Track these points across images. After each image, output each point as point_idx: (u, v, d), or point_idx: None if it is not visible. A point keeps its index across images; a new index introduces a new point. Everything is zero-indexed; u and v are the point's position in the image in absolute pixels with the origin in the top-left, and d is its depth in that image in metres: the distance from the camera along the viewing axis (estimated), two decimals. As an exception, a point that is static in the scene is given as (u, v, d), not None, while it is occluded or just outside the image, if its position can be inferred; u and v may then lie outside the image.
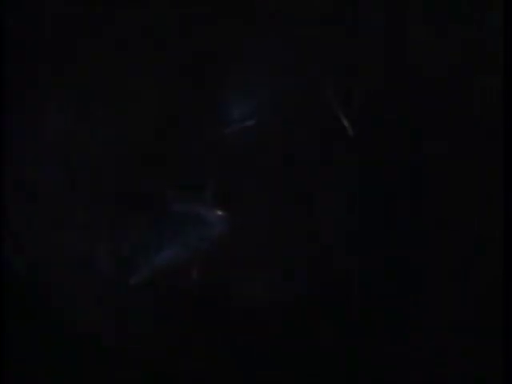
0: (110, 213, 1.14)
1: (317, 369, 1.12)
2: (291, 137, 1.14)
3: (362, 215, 1.14)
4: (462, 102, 1.14)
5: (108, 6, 1.15)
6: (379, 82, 1.15)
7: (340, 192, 1.14)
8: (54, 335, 1.12)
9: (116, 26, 1.16)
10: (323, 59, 1.15)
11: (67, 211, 1.14)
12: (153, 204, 1.13)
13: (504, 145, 1.04)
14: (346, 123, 1.12)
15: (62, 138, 1.15)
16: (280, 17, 1.16)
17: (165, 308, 1.12)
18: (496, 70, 1.07)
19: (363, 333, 1.12)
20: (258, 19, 1.16)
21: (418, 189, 1.14)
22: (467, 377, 1.10)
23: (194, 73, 1.16)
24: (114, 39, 1.16)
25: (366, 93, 1.15)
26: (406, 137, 1.15)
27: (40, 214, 1.14)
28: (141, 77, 1.15)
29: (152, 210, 1.13)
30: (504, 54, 1.05)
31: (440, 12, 1.16)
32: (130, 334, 1.12)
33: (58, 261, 1.13)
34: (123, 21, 1.16)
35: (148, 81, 1.15)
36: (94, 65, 1.15)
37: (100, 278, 1.12)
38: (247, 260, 1.13)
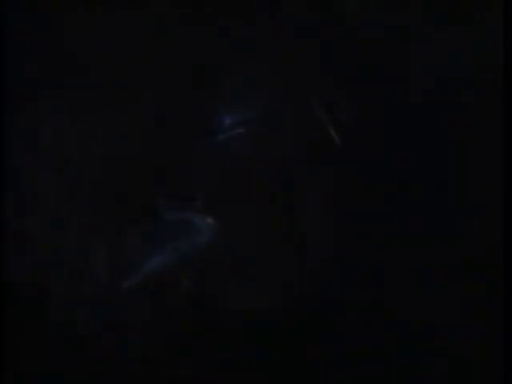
0: (106, 219, 1.14)
1: (305, 374, 1.12)
2: (280, 146, 1.14)
3: (352, 226, 1.14)
4: (460, 103, 1.14)
5: (108, 6, 1.16)
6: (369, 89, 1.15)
7: (328, 203, 1.14)
8: (51, 337, 1.12)
9: (115, 27, 1.16)
10: (312, 70, 1.15)
11: (65, 216, 1.14)
12: (146, 212, 1.13)
13: (504, 145, 1.04)
14: (332, 132, 1.11)
15: (60, 140, 1.15)
16: (270, 29, 1.16)
17: (157, 312, 1.12)
18: (496, 70, 1.08)
19: (351, 340, 1.12)
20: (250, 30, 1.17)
21: (411, 198, 1.14)
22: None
23: (187, 81, 1.16)
24: (112, 40, 1.16)
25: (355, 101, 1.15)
26: (399, 143, 1.15)
27: (38, 219, 1.14)
28: (135, 89, 1.16)
29: (146, 217, 1.13)
30: (504, 54, 1.05)
31: (439, 12, 1.16)
32: (126, 337, 1.13)
33: (56, 263, 1.13)
34: (123, 21, 1.16)
35: (142, 91, 1.16)
36: (92, 73, 1.16)
37: (96, 282, 1.13)
38: (236, 267, 1.13)
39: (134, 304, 1.12)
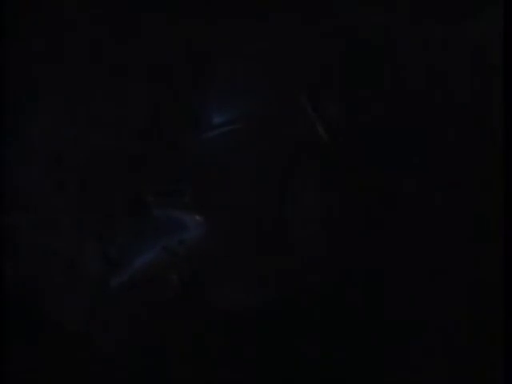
0: (95, 216, 1.14)
1: (293, 372, 1.12)
2: (269, 143, 1.14)
3: (340, 225, 1.14)
4: (459, 103, 1.14)
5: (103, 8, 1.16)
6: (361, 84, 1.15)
7: (318, 201, 1.14)
8: (42, 336, 1.12)
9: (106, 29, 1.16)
10: (300, 66, 1.15)
11: (53, 214, 1.14)
12: (133, 208, 1.13)
13: (504, 146, 1.03)
14: (321, 130, 1.11)
15: (50, 141, 1.15)
16: (260, 28, 1.16)
17: (146, 310, 1.12)
18: (496, 71, 1.07)
19: (340, 338, 1.12)
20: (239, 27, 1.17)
21: (405, 198, 1.13)
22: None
23: (173, 78, 1.16)
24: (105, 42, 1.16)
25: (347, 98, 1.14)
26: (394, 143, 1.14)
27: (28, 215, 1.14)
28: (123, 83, 1.16)
29: (134, 214, 1.13)
30: (504, 54, 1.05)
31: (438, 10, 1.16)
32: (118, 335, 1.13)
33: (45, 262, 1.13)
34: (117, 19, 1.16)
35: (130, 86, 1.16)
36: (83, 70, 1.15)
37: (87, 279, 1.13)
38: (225, 264, 1.13)
39: (123, 301, 1.12)
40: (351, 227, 1.13)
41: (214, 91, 1.15)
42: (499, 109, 1.05)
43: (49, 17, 1.17)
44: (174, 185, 1.14)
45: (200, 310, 1.12)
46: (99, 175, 1.14)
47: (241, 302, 1.12)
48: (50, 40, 1.16)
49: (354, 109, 1.13)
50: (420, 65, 1.15)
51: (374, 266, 1.12)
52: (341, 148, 1.12)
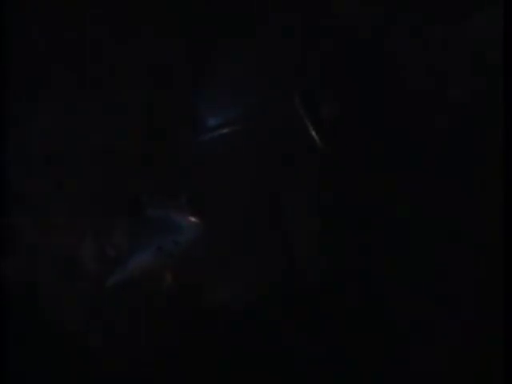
0: (94, 216, 1.14)
1: (290, 370, 1.12)
2: (266, 145, 1.13)
3: (336, 225, 1.14)
4: (460, 104, 1.14)
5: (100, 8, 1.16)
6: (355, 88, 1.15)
7: (313, 202, 1.13)
8: (40, 335, 1.12)
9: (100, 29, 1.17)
10: (295, 69, 1.15)
11: (54, 213, 1.15)
12: (131, 209, 1.13)
13: (504, 146, 1.03)
14: (314, 133, 1.11)
15: (50, 141, 1.16)
16: (255, 29, 1.16)
17: (140, 310, 1.12)
18: (496, 71, 1.07)
19: (337, 335, 1.12)
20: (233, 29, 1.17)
21: (403, 201, 1.13)
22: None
23: (171, 78, 1.16)
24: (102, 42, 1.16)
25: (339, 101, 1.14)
26: (391, 145, 1.14)
27: (27, 215, 1.15)
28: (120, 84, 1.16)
29: (131, 214, 1.13)
30: (504, 54, 1.05)
31: (438, 10, 1.16)
32: (114, 334, 1.13)
33: (43, 260, 1.14)
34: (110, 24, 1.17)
35: (129, 87, 1.16)
36: (80, 68, 1.16)
37: (86, 279, 1.13)
38: (220, 265, 1.13)
39: (120, 301, 1.12)
40: (348, 229, 1.13)
41: (212, 95, 1.16)
42: (499, 109, 1.05)
43: (49, 16, 1.17)
44: (170, 186, 1.14)
45: (195, 310, 1.12)
46: (98, 175, 1.14)
47: (236, 302, 1.12)
48: (50, 40, 1.16)
49: (352, 110, 1.13)
50: (420, 65, 1.15)
51: (372, 267, 1.12)
52: (336, 150, 1.12)
